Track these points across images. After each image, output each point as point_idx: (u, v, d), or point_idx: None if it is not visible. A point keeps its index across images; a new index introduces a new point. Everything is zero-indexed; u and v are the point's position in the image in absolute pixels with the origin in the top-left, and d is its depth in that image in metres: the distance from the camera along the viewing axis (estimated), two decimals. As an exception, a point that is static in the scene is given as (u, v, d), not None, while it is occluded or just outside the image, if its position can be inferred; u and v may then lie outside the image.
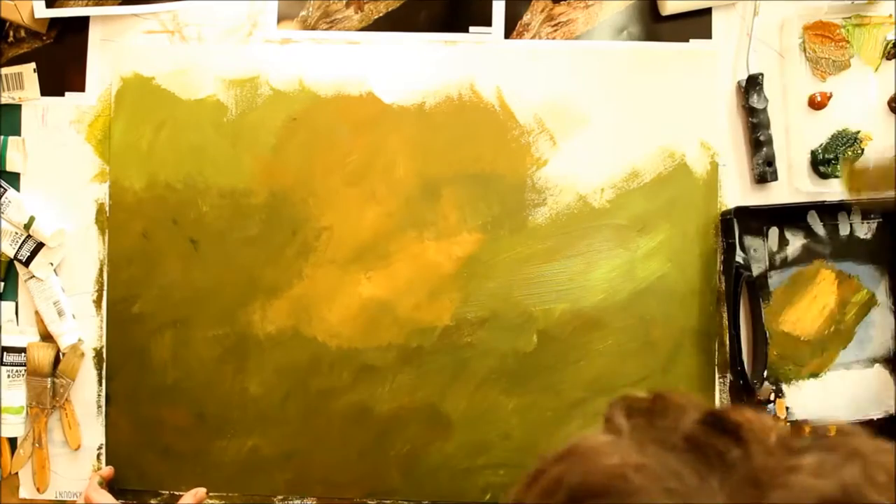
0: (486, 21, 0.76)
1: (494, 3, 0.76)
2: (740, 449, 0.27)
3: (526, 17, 0.76)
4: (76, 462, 0.77)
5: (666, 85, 0.75)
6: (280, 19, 0.76)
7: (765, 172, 0.73)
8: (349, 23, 0.76)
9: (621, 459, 0.27)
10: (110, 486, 0.75)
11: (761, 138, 0.73)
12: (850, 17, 0.75)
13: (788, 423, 0.74)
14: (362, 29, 0.76)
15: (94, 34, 0.77)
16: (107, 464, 0.76)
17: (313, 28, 0.76)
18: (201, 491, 0.74)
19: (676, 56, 0.75)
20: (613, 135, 0.75)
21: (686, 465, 0.26)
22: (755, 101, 0.73)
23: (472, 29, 0.76)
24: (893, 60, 0.75)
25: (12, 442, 0.77)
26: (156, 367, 0.76)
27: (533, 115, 0.75)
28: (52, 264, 0.76)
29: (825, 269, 0.74)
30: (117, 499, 0.73)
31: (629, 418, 0.30)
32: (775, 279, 0.74)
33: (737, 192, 0.75)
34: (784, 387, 0.74)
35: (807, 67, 0.75)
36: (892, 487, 0.25)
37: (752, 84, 0.74)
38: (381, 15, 0.76)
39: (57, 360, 0.77)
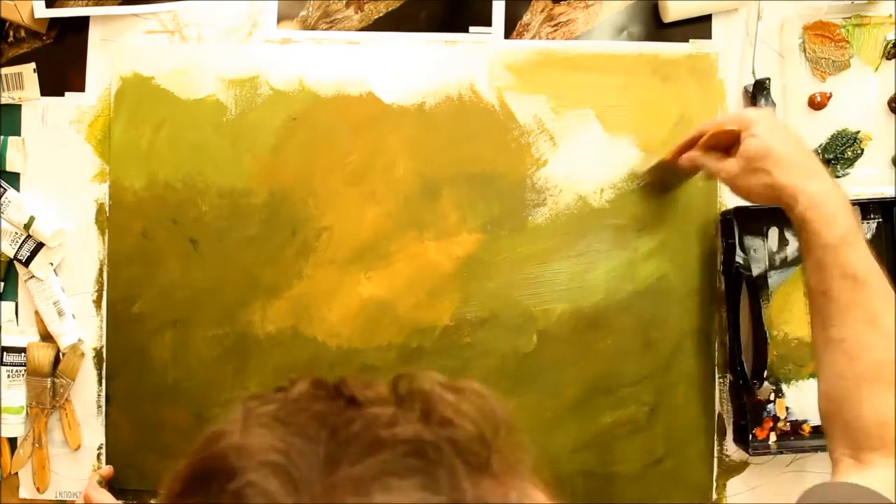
0: (486, 21, 0.76)
1: (494, 3, 0.76)
2: (348, 409, 0.30)
3: (526, 17, 0.76)
4: (76, 462, 0.77)
5: (666, 85, 0.75)
6: (280, 19, 0.76)
7: None
8: (349, 23, 0.76)
9: (226, 442, 0.29)
10: (110, 485, 0.75)
11: None
12: (850, 17, 0.75)
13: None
14: (362, 29, 0.76)
15: (94, 34, 0.77)
16: (107, 464, 0.76)
17: (313, 28, 0.76)
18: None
19: (677, 56, 0.75)
20: (613, 135, 0.75)
21: (294, 434, 0.29)
22: (763, 105, 0.73)
23: (472, 29, 0.76)
24: (893, 60, 0.75)
25: (12, 442, 0.77)
26: (156, 367, 0.76)
27: (533, 115, 0.75)
28: (52, 264, 0.76)
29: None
30: (117, 498, 0.73)
31: (260, 403, 0.31)
32: (775, 279, 0.74)
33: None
34: (784, 387, 0.74)
35: (807, 67, 0.75)
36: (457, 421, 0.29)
37: (760, 89, 0.73)
38: (381, 15, 0.76)
39: (57, 360, 0.77)
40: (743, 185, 0.59)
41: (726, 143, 0.60)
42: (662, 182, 0.73)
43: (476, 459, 0.29)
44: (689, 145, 0.64)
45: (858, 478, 0.48)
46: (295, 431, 0.29)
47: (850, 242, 0.52)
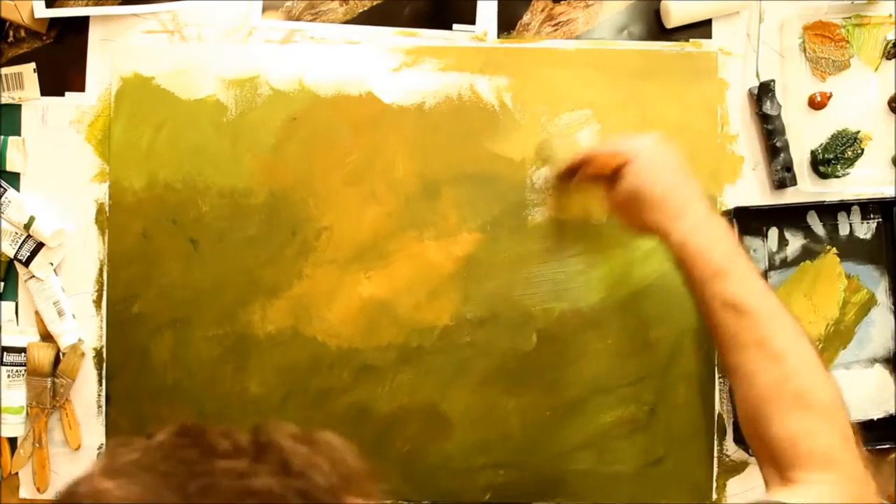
0: (471, 19, 0.76)
1: (480, 3, 0.76)
2: (207, 458, 0.31)
3: (526, 17, 0.76)
4: (76, 462, 0.77)
5: (666, 84, 0.75)
6: (265, 9, 0.76)
7: (784, 178, 0.73)
8: (333, 15, 0.76)
9: (85, 488, 0.31)
10: None
11: (777, 144, 0.73)
12: (849, 17, 0.75)
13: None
14: (346, 22, 0.76)
15: (94, 34, 0.77)
16: (107, 464, 0.77)
17: (297, 19, 0.76)
18: None
19: (677, 55, 0.76)
20: (614, 134, 0.75)
21: (155, 482, 0.31)
22: (769, 107, 0.73)
23: (455, 26, 0.76)
24: (893, 60, 0.75)
25: (12, 442, 0.78)
26: (156, 367, 0.76)
27: (533, 115, 0.75)
28: (52, 264, 0.77)
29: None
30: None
31: (126, 450, 0.33)
32: (775, 279, 0.74)
33: (743, 195, 0.75)
34: None
35: (807, 67, 0.76)
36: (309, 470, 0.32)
37: (765, 91, 0.74)
38: (365, 9, 0.76)
39: (57, 360, 0.77)
40: (623, 218, 0.63)
41: (612, 173, 0.62)
42: (558, 206, 0.73)
43: None
44: (576, 167, 0.66)
45: (787, 495, 0.48)
46: (157, 480, 0.31)
47: (726, 272, 0.54)
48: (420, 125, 0.75)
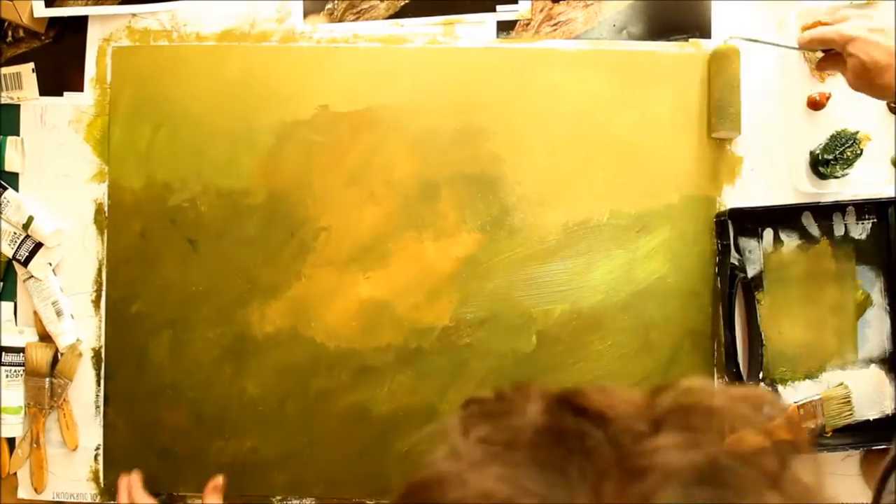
0: None
1: None
2: (595, 429, 0.27)
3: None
4: (74, 462, 0.82)
5: (665, 83, 0.80)
6: (307, 13, 0.81)
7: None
8: (375, 12, 0.81)
9: (463, 491, 0.26)
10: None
11: None
12: (848, 18, 0.80)
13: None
14: (400, 17, 0.81)
15: (93, 34, 0.82)
16: (104, 464, 0.82)
17: (340, 20, 0.81)
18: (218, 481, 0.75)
19: (676, 55, 0.80)
20: (613, 134, 0.80)
21: (539, 466, 0.26)
22: None
23: (499, 7, 0.81)
24: (893, 61, 0.80)
25: (10, 442, 0.83)
26: (154, 368, 0.81)
27: (532, 114, 0.80)
28: (50, 264, 0.82)
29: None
30: (112, 498, 0.79)
31: (468, 432, 0.28)
32: (770, 280, 0.79)
33: (742, 195, 0.80)
34: (780, 388, 0.79)
35: (806, 68, 0.80)
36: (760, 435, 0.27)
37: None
38: (407, 2, 0.81)
39: (55, 361, 0.82)
40: (867, 92, 0.66)
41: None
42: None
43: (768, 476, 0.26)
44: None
45: None
46: (541, 464, 0.26)
47: None
48: (420, 125, 0.80)
